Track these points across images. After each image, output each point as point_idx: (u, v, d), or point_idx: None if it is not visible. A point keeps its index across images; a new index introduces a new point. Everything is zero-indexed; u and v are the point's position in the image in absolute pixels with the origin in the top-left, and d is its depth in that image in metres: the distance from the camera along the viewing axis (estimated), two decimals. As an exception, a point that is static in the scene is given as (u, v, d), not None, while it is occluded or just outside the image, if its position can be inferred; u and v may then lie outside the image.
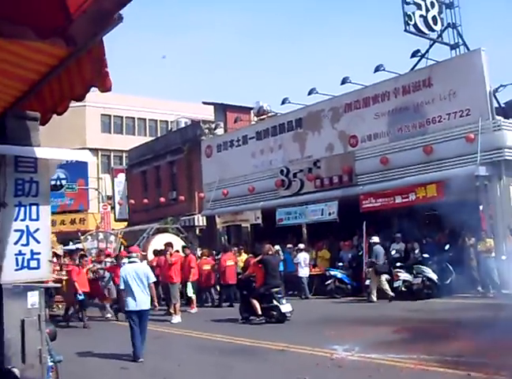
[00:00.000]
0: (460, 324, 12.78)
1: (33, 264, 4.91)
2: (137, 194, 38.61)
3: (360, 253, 20.92)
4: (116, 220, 42.09)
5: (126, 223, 41.11)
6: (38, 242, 4.97)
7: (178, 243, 22.07)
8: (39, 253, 4.96)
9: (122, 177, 42.24)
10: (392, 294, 18.49)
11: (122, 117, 54.93)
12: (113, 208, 42.01)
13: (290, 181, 25.42)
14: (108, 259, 20.99)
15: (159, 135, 51.68)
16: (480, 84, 19.33)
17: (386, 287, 18.70)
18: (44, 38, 3.74)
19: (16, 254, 4.85)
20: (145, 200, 36.30)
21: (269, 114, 30.96)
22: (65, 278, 17.82)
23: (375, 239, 19.77)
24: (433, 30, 23.76)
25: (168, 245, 18.30)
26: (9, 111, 5.04)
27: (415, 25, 23.10)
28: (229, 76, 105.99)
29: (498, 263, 17.91)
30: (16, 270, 4.85)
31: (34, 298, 4.94)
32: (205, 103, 36.54)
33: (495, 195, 18.88)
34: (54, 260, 18.71)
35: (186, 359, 10.40)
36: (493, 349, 9.41)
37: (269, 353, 10.99)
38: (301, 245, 22.21)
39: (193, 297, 19.36)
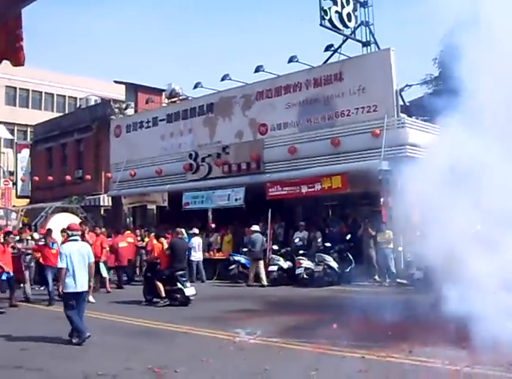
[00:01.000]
0: (356, 310, 13.33)
1: None
2: (42, 171, 37.64)
3: (265, 240, 21.28)
4: (18, 197, 40.83)
5: (28, 201, 39.97)
6: None
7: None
8: None
9: (26, 152, 40.89)
10: (265, 282, 19.58)
11: (28, 90, 53.44)
12: (15, 184, 40.75)
13: (198, 166, 25.41)
14: (29, 237, 19.91)
15: (67, 111, 50.51)
16: (388, 82, 20.01)
17: (263, 274, 19.68)
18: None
19: None
20: (50, 178, 35.37)
21: (181, 98, 30.84)
22: None
23: (255, 228, 20.61)
24: (347, 26, 24.29)
25: (83, 224, 17.78)
26: None
27: (330, 20, 23.53)
28: (143, 58, 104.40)
29: (395, 254, 18.76)
30: None
31: None
32: (116, 82, 35.90)
33: (396, 189, 19.57)
34: None
35: (89, 341, 10.26)
36: (386, 333, 9.94)
37: (174, 335, 11.06)
38: (195, 230, 22.33)
39: (108, 277, 19.24)
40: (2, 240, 16.58)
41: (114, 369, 8.34)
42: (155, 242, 18.01)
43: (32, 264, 18.20)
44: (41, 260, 17.38)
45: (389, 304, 13.36)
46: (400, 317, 10.42)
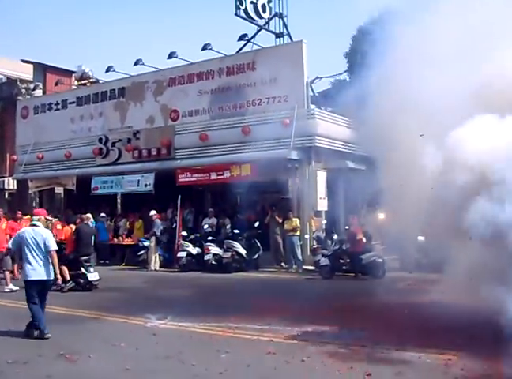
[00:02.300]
0: (265, 295, 13.80)
1: None
2: None
3: (174, 226, 21.42)
4: None
5: None
6: None
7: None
8: None
9: None
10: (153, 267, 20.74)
11: None
12: None
13: (108, 150, 25.15)
14: None
15: (-32, 90, 48.57)
16: (299, 73, 20.46)
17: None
18: None
19: None
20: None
21: (91, 80, 30.39)
22: None
23: (153, 212, 21.25)
24: (261, 17, 24.59)
25: None
26: None
27: (245, 10, 23.83)
28: (52, 37, 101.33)
29: (301, 241, 19.33)
30: None
31: None
32: (23, 61, 34.89)
33: (304, 178, 20.14)
34: None
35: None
36: (294, 316, 10.38)
37: (84, 321, 11.03)
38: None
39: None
40: None
41: (26, 356, 8.27)
42: (59, 226, 17.88)
43: None
44: None
45: (296, 288, 13.95)
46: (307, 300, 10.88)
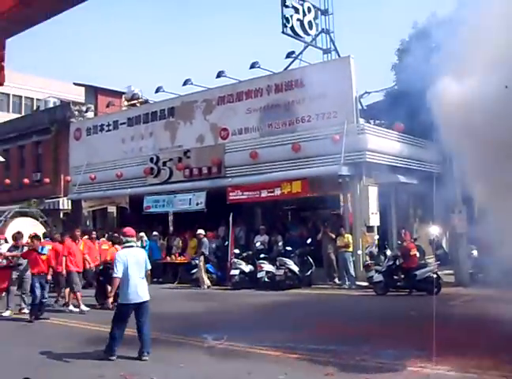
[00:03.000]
0: (320, 313, 13.73)
1: None
2: (-2, 173, 37.09)
3: (226, 244, 21.52)
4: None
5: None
6: None
7: (38, 228, 21.46)
8: None
9: (-19, 154, 40.30)
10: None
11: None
12: (-29, 186, 40.06)
13: (159, 170, 25.42)
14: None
15: (23, 112, 49.85)
16: (348, 89, 20.38)
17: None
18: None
19: None
20: (7, 181, 34.91)
21: (140, 100, 30.89)
22: None
23: (200, 231, 21.33)
24: (308, 34, 24.73)
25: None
26: None
27: (292, 28, 23.99)
28: (101, 60, 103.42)
29: (354, 257, 19.20)
30: None
31: None
32: (76, 84, 35.74)
33: (355, 194, 20.03)
34: None
35: (57, 348, 10.20)
36: (351, 335, 10.29)
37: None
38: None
39: None
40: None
41: (88, 377, 8.34)
42: (105, 246, 18.05)
43: (27, 273, 15.18)
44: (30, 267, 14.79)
45: (351, 306, 13.79)
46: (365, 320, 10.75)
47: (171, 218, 25.08)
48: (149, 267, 9.97)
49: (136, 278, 9.48)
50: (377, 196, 20.14)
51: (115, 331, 9.60)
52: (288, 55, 23.66)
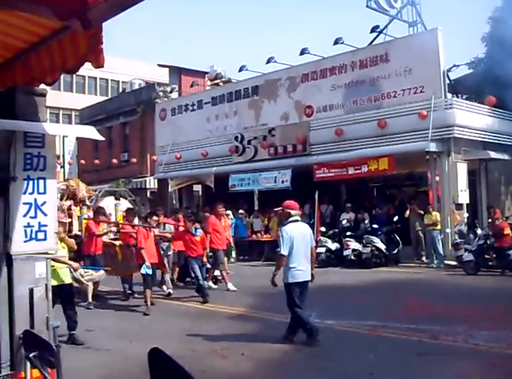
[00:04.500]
0: (408, 291, 13.52)
1: (40, 235, 5.00)
2: (88, 154, 38.18)
3: (312, 222, 21.42)
4: (65, 180, 41.45)
5: (75, 184, 40.54)
6: (45, 214, 5.04)
7: (126, 206, 21.92)
8: (46, 225, 5.04)
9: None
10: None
11: (72, 74, 53.91)
12: (62, 167, 41.48)
13: (244, 148, 25.61)
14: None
15: (109, 95, 51.09)
16: (435, 62, 19.82)
17: None
18: (63, 19, 3.83)
19: (24, 226, 4.93)
20: (96, 161, 35.93)
21: (224, 80, 31.07)
22: (118, 242, 14.82)
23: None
24: (393, 7, 24.17)
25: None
26: (19, 87, 5.08)
27: (376, 1, 23.50)
28: (185, 41, 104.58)
29: (442, 235, 18.77)
30: (25, 241, 4.93)
31: (41, 268, 5.05)
32: (160, 65, 36.28)
33: (443, 171, 19.54)
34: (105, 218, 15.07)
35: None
36: (441, 315, 10.08)
37: (231, 317, 11.33)
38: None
39: None
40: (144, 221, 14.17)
41: (180, 352, 8.19)
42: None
43: (170, 252, 15.49)
44: (185, 250, 14.33)
45: (441, 285, 13.48)
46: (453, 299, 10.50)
47: (256, 196, 25.20)
48: (314, 244, 9.34)
49: (301, 256, 8.89)
50: (466, 172, 19.61)
51: (300, 314, 9.01)
52: (373, 30, 23.26)
